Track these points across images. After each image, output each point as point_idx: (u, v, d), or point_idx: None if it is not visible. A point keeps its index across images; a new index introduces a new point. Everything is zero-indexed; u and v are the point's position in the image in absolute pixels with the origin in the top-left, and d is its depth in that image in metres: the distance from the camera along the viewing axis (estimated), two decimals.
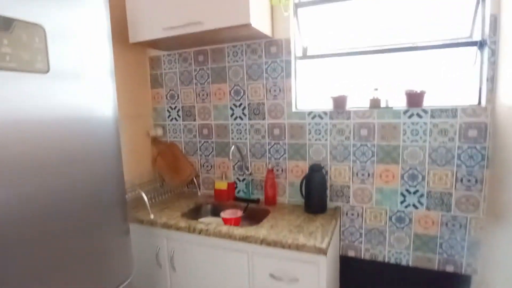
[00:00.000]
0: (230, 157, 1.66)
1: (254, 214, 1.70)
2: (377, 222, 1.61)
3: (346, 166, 1.64)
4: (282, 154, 1.76)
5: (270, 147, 1.78)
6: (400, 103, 1.55)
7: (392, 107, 1.54)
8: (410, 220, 1.55)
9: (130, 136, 1.91)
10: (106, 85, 1.04)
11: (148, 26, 1.60)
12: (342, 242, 1.70)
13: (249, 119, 1.81)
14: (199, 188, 1.99)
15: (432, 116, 1.46)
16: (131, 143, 1.91)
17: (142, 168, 1.99)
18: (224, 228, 1.42)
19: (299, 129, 1.70)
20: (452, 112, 1.42)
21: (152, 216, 1.57)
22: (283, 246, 1.29)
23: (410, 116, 1.49)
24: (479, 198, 1.43)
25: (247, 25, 1.41)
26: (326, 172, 1.68)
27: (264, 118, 1.77)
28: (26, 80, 0.76)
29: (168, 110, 2.03)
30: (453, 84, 1.51)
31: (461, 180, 1.45)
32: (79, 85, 0.92)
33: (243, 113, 1.82)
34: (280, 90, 1.71)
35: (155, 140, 2.05)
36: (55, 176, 0.87)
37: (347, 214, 1.67)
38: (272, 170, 1.75)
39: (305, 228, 1.42)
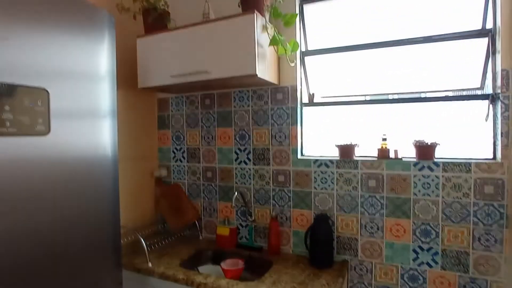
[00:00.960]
0: (233, 204, 1.61)
1: (256, 265, 1.62)
2: (388, 279, 1.50)
3: (353, 218, 1.56)
4: (286, 201, 1.70)
5: (275, 194, 1.73)
6: (410, 153, 1.49)
7: (401, 158, 1.49)
8: (424, 280, 1.44)
9: (134, 177, 1.89)
10: (106, 126, 1.03)
11: (157, 73, 1.63)
12: None
13: (254, 164, 1.77)
14: (201, 232, 1.93)
15: (444, 170, 1.39)
16: (134, 184, 1.89)
17: (144, 209, 1.95)
18: (223, 283, 1.34)
19: (304, 176, 1.65)
20: (465, 166, 1.36)
21: (150, 265, 1.51)
22: None
23: (420, 169, 1.43)
24: (500, 260, 1.32)
25: (253, 76, 1.41)
26: (333, 222, 1.60)
27: (268, 164, 1.73)
28: (27, 142, 0.75)
29: (173, 151, 2.02)
30: (465, 137, 1.45)
31: (479, 239, 1.35)
32: (79, 128, 0.92)
33: (247, 158, 1.79)
34: (285, 137, 1.69)
35: (159, 181, 2.03)
36: (48, 216, 0.84)
37: (355, 269, 1.56)
38: (276, 218, 1.69)
39: (310, 285, 1.32)
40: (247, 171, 1.79)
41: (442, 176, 1.39)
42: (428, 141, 1.41)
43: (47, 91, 0.79)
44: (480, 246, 1.35)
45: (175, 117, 2.00)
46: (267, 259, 1.62)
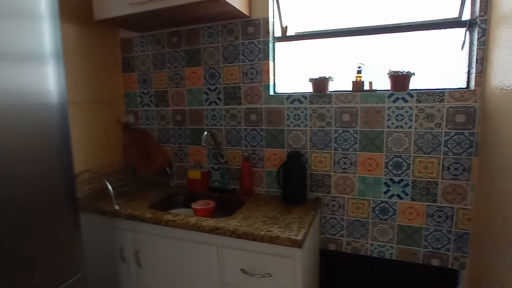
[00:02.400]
0: (203, 143, 1.54)
1: (228, 205, 1.59)
2: (360, 214, 1.51)
3: (327, 154, 1.53)
4: (259, 141, 1.65)
5: (246, 134, 1.67)
6: (385, 86, 1.45)
7: (376, 90, 1.44)
8: (394, 211, 1.46)
9: (99, 123, 1.77)
10: (51, 68, 0.91)
11: (114, 2, 1.47)
12: (322, 235, 1.59)
13: (225, 104, 1.69)
14: (172, 178, 1.86)
15: (418, 101, 1.36)
16: (100, 130, 1.77)
17: (112, 157, 1.86)
18: (193, 219, 1.31)
19: (277, 114, 1.59)
20: (439, 96, 1.33)
21: (116, 207, 1.45)
22: (255, 238, 1.18)
23: (395, 100, 1.39)
24: (467, 188, 1.34)
25: (219, 0, 1.29)
26: (306, 160, 1.57)
27: (240, 103, 1.65)
28: None
29: (140, 96, 1.90)
30: (440, 67, 1.41)
31: (448, 169, 1.35)
32: (17, 69, 0.80)
33: (218, 98, 1.70)
34: (257, 73, 1.60)
35: (126, 128, 1.92)
36: None
37: (328, 205, 1.56)
38: (248, 158, 1.64)
39: (281, 219, 1.31)
40: (217, 112, 1.71)
41: (416, 107, 1.36)
42: (403, 71, 1.36)
43: None
44: (449, 175, 1.35)
45: (140, 59, 1.86)
46: (239, 199, 1.59)
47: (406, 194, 1.43)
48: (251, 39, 1.58)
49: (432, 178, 1.38)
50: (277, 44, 1.62)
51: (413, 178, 1.41)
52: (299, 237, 1.13)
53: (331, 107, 1.49)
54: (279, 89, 1.66)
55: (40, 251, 0.92)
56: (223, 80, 1.67)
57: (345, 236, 1.55)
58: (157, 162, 1.85)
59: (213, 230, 1.24)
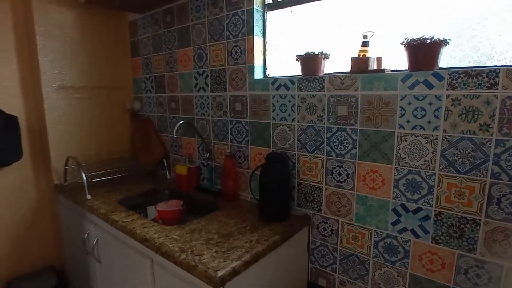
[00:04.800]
0: (174, 134, 1.33)
1: (200, 209, 1.36)
2: (358, 246, 1.07)
3: (318, 160, 1.13)
4: (244, 136, 1.34)
5: (232, 127, 1.38)
6: (400, 64, 0.95)
7: (384, 70, 0.96)
8: (406, 253, 0.97)
9: (106, 109, 1.76)
10: None
11: None
12: (311, 265, 1.21)
13: (211, 90, 1.43)
14: (169, 171, 1.73)
15: (451, 86, 0.83)
16: (108, 116, 1.77)
17: (120, 144, 1.84)
18: (138, 224, 1.13)
19: (262, 103, 1.25)
20: (489, 76, 0.78)
21: (88, 197, 1.39)
22: (175, 261, 0.93)
23: (412, 86, 0.90)
24: None
25: None
26: (294, 165, 1.20)
27: (225, 89, 1.37)
28: None
29: (144, 81, 1.81)
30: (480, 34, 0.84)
31: (498, 202, 0.80)
32: None
33: (205, 83, 1.45)
34: (241, 52, 1.28)
35: (133, 115, 1.87)
36: None
37: (317, 227, 1.17)
38: (231, 156, 1.36)
39: (234, 239, 1.01)
40: (205, 100, 1.47)
41: (448, 96, 0.84)
42: (427, 36, 0.85)
43: None
44: (498, 212, 0.80)
45: (143, 42, 1.75)
46: (215, 204, 1.34)
47: (426, 232, 0.93)
48: (235, 10, 1.27)
49: (470, 213, 0.85)
50: (270, 14, 1.27)
51: (438, 209, 0.90)
52: (221, 273, 0.83)
53: (324, 95, 1.07)
54: (272, 73, 1.31)
55: None
56: (209, 62, 1.42)
57: (338, 272, 1.14)
58: (154, 153, 1.74)
59: (143, 241, 1.04)
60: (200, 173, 1.56)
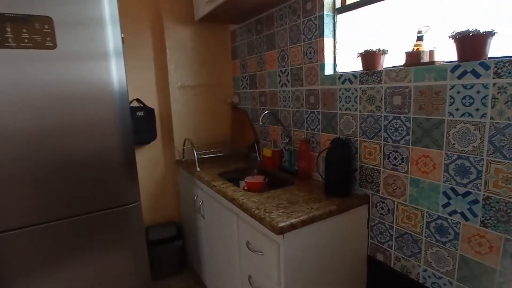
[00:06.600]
0: (260, 122, 1.65)
1: (278, 184, 1.64)
2: (411, 226, 1.17)
3: (376, 145, 1.26)
4: (316, 125, 1.55)
5: (307, 116, 1.60)
6: (452, 57, 1.00)
7: (434, 62, 1.02)
8: (456, 235, 1.03)
9: (213, 103, 2.23)
10: (113, 63, 1.31)
11: (199, 5, 1.83)
12: (370, 240, 1.35)
13: (292, 85, 1.68)
14: (259, 154, 2.07)
15: (497, 74, 0.87)
16: (211, 108, 2.24)
17: (221, 130, 2.29)
18: (230, 190, 1.50)
19: (330, 96, 1.44)
20: None
21: (198, 169, 1.85)
22: (251, 214, 1.24)
23: (461, 76, 0.95)
24: None
25: None
26: (356, 150, 1.35)
27: (302, 85, 1.60)
28: (39, 56, 1.18)
29: (241, 79, 2.19)
30: None
31: None
32: (83, 63, 1.27)
33: (287, 80, 1.71)
34: (314, 52, 1.49)
35: (233, 107, 2.28)
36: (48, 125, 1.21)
37: (376, 206, 1.30)
38: (305, 142, 1.59)
39: (298, 206, 1.26)
40: (287, 94, 1.73)
41: (494, 84, 0.88)
42: (474, 29, 0.90)
43: (51, 19, 1.17)
44: None
45: (240, 47, 2.13)
46: (291, 180, 1.60)
47: (475, 215, 0.97)
48: (309, 16, 1.48)
49: None
50: (329, 17, 1.43)
51: (486, 193, 0.94)
52: (282, 224, 1.09)
53: (381, 87, 1.20)
54: (341, 68, 1.47)
55: (111, 184, 1.39)
56: (290, 62, 1.67)
57: (394, 249, 1.25)
58: (248, 138, 2.11)
59: (232, 200, 1.39)
60: (282, 155, 1.85)
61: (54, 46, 1.20)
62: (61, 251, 1.28)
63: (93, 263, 1.35)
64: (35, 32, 1.16)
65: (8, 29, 1.13)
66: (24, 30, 1.15)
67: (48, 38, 1.19)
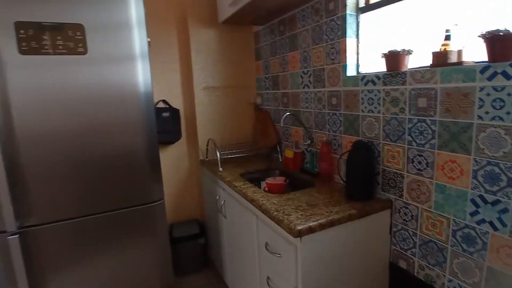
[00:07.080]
0: (281, 124, 1.64)
1: (298, 186, 1.63)
2: (436, 233, 1.12)
3: (400, 149, 1.22)
4: (338, 126, 1.52)
5: (329, 118, 1.58)
6: (481, 57, 0.95)
7: (462, 62, 0.97)
8: (484, 245, 0.98)
9: (236, 104, 2.26)
10: (139, 66, 1.37)
11: (222, 7, 1.85)
12: (392, 246, 1.31)
13: (314, 87, 1.66)
14: (280, 155, 2.06)
15: None
16: (235, 108, 2.26)
17: (244, 130, 2.31)
18: (250, 191, 1.51)
19: (352, 97, 1.40)
20: None
21: (220, 169, 1.88)
22: (270, 216, 1.24)
23: (491, 77, 0.90)
24: None
25: None
26: (379, 153, 1.31)
27: (324, 86, 1.58)
28: (72, 61, 1.25)
29: (264, 80, 2.19)
30: None
31: None
32: (111, 66, 1.33)
33: (309, 81, 1.69)
34: (336, 53, 1.46)
35: (256, 108, 2.29)
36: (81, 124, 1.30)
37: (399, 212, 1.25)
38: (327, 143, 1.57)
39: (318, 209, 1.25)
40: (309, 95, 1.71)
41: None
42: (504, 29, 0.84)
43: (83, 26, 1.25)
44: None
45: (263, 48, 2.13)
46: (311, 182, 1.59)
47: (504, 225, 0.92)
48: (332, 16, 1.46)
49: None
50: (353, 16, 1.39)
51: None
52: (300, 227, 1.09)
53: (405, 88, 1.15)
54: (365, 69, 1.43)
55: (137, 183, 1.46)
56: (312, 63, 1.65)
57: (417, 257, 1.20)
58: (270, 139, 2.11)
59: (251, 201, 1.40)
60: (304, 157, 1.83)
61: (85, 52, 1.27)
62: (89, 245, 1.36)
63: (118, 257, 1.42)
64: (68, 39, 1.24)
65: (45, 37, 1.21)
66: (59, 38, 1.23)
67: (80, 45, 1.26)
